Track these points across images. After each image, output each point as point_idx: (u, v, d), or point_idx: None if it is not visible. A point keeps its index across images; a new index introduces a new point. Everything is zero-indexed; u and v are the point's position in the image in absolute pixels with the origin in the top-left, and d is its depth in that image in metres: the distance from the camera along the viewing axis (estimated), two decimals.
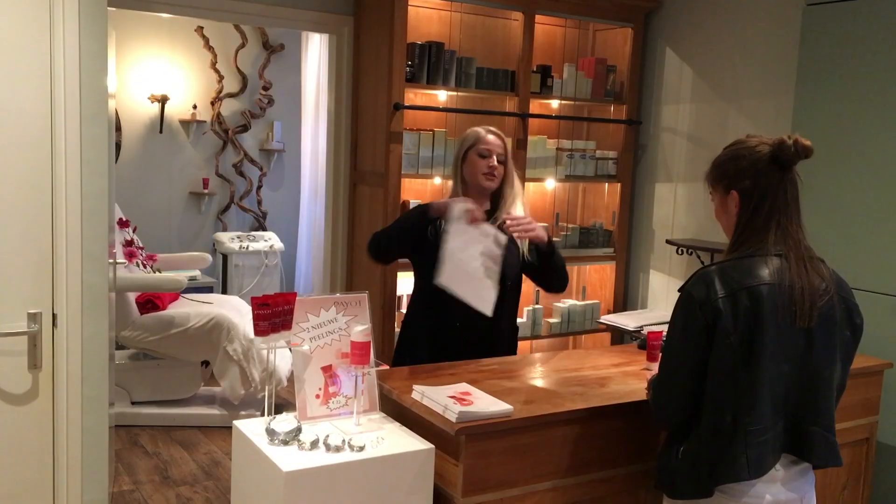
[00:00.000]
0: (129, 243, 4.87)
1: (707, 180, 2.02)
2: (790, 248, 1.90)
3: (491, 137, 2.92)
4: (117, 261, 4.06)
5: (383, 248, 2.93)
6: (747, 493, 1.88)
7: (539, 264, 2.84)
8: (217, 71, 6.38)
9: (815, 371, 1.91)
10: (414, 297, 3.00)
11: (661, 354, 2.03)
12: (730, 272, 1.88)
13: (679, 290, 1.94)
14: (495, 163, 2.89)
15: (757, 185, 1.91)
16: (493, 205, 2.93)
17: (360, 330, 2.09)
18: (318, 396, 2.14)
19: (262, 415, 2.14)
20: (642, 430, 2.28)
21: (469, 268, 2.67)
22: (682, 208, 4.38)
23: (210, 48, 6.32)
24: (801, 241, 1.92)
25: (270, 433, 2.01)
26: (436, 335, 2.86)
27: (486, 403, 2.09)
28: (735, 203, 1.94)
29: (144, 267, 4.94)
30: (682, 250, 4.23)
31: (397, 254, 3.06)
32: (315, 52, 6.19)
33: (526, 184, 4.28)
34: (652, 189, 4.56)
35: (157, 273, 4.98)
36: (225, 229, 6.54)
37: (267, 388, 2.14)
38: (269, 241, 6.33)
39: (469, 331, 2.81)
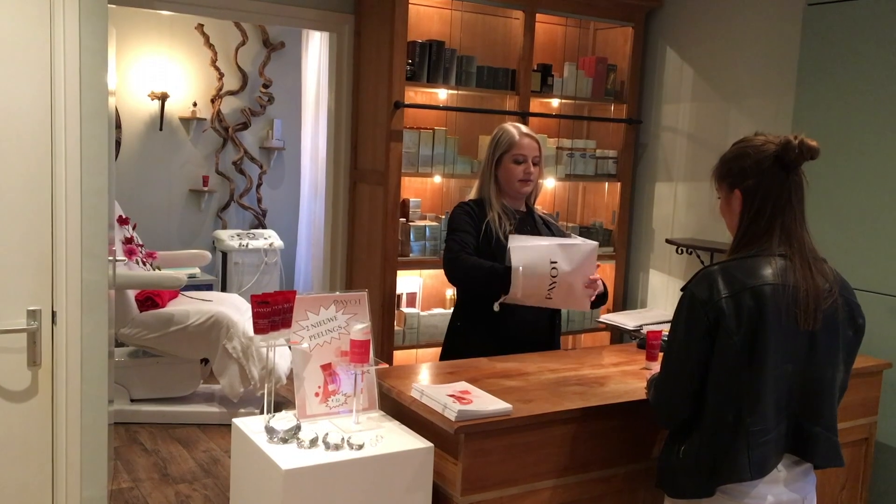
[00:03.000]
0: (128, 241, 4.87)
1: (713, 176, 2.01)
2: (794, 250, 1.89)
3: (526, 141, 2.87)
4: (117, 258, 4.06)
5: (464, 286, 2.91)
6: (749, 493, 1.88)
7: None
8: (217, 69, 6.37)
9: (818, 372, 1.90)
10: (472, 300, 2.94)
11: (662, 354, 2.03)
12: (733, 272, 1.87)
13: (682, 290, 1.94)
14: (531, 168, 2.87)
15: (760, 185, 1.90)
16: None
17: (360, 328, 2.09)
18: (317, 395, 2.14)
19: (262, 413, 2.13)
20: (641, 429, 2.28)
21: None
22: (682, 208, 4.38)
23: (210, 46, 6.32)
24: (806, 242, 1.91)
25: (270, 431, 2.01)
26: (497, 329, 2.86)
27: (485, 402, 2.09)
28: (738, 202, 1.93)
29: (144, 264, 4.94)
30: (681, 250, 4.23)
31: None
32: (315, 50, 6.19)
33: None
34: (652, 188, 4.56)
35: (157, 271, 4.98)
36: (225, 227, 6.54)
37: (266, 386, 2.14)
38: (269, 238, 6.33)
39: (529, 323, 2.87)
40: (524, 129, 2.91)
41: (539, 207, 3.07)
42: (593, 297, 2.77)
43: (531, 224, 2.95)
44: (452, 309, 3.06)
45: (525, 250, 2.67)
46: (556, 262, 2.67)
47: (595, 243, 2.75)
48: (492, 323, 2.84)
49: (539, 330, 2.92)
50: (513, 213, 2.91)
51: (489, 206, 2.89)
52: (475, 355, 2.70)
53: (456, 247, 2.82)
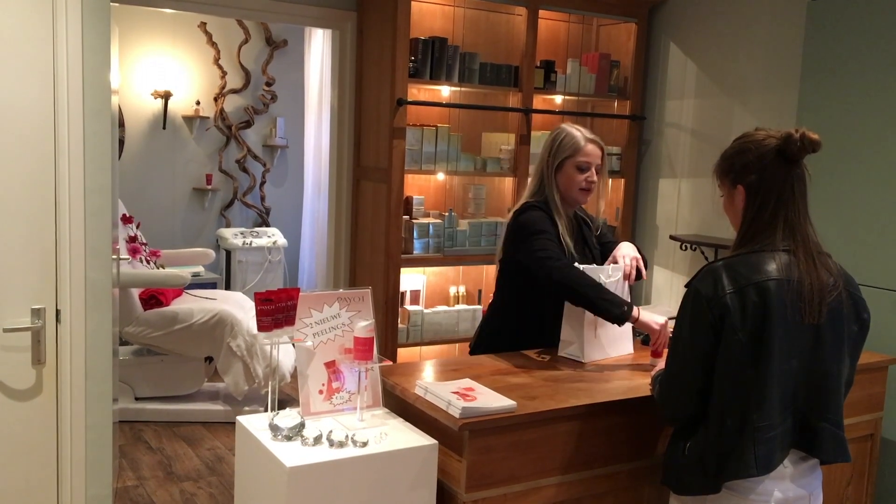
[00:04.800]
0: (132, 239, 4.87)
1: (715, 173, 2.01)
2: (798, 244, 1.88)
3: (591, 147, 2.68)
4: (121, 257, 4.06)
5: (566, 298, 2.62)
6: (755, 489, 1.88)
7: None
8: (220, 67, 6.37)
9: (824, 367, 1.90)
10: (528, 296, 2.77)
11: (667, 350, 2.03)
12: (737, 268, 1.87)
13: (686, 286, 1.93)
14: (594, 177, 2.69)
15: (763, 180, 1.89)
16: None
17: (364, 326, 2.08)
18: (321, 392, 2.14)
19: (266, 410, 2.13)
20: (646, 425, 2.28)
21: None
22: (686, 204, 4.37)
23: (213, 44, 6.32)
24: (810, 236, 1.90)
25: (274, 429, 2.00)
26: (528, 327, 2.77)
27: (489, 399, 2.09)
28: (741, 198, 1.93)
29: (148, 263, 4.94)
30: (686, 246, 4.22)
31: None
32: (318, 48, 6.19)
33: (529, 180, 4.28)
34: (656, 185, 4.55)
35: (161, 269, 4.99)
36: (228, 225, 6.55)
37: (270, 383, 2.14)
38: (273, 237, 6.34)
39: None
40: (588, 133, 2.73)
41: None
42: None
43: (577, 229, 2.80)
44: (491, 309, 2.90)
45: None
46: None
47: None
48: (536, 330, 2.74)
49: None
50: (572, 222, 2.76)
51: (556, 212, 2.69)
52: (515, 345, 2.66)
53: (554, 251, 2.55)
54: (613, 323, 2.51)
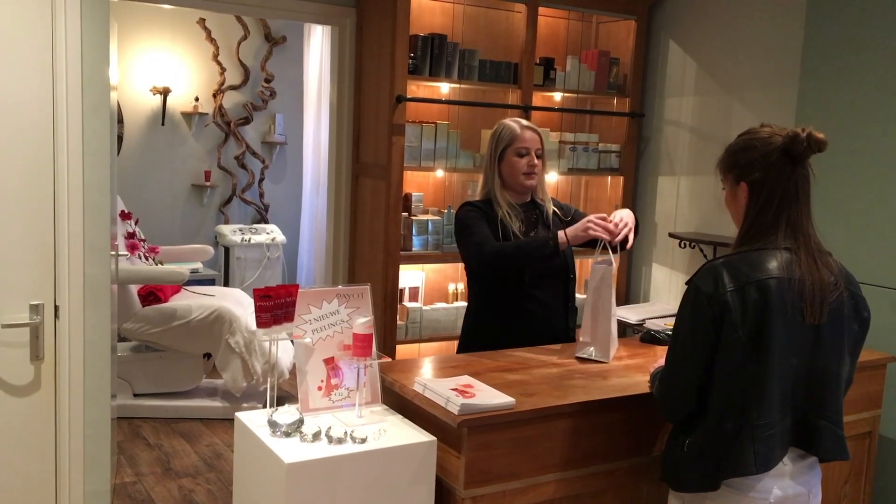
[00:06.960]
0: (131, 235, 4.87)
1: (719, 168, 2.00)
2: (800, 244, 1.87)
3: (528, 134, 2.82)
4: (119, 253, 4.06)
5: (507, 270, 2.78)
6: (754, 487, 1.88)
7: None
8: (219, 63, 6.37)
9: (824, 365, 1.90)
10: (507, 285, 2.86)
11: (667, 347, 2.03)
12: (738, 265, 1.86)
13: (686, 284, 1.93)
14: (535, 160, 2.82)
15: (767, 177, 1.88)
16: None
17: (363, 322, 2.08)
18: (320, 388, 2.14)
19: (264, 407, 2.13)
20: (645, 422, 2.28)
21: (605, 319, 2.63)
22: (685, 201, 4.37)
23: (212, 40, 6.31)
24: (812, 236, 1.90)
25: (272, 425, 2.00)
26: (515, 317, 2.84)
27: (488, 396, 2.09)
28: (744, 195, 1.92)
29: (146, 259, 4.94)
30: (684, 244, 4.22)
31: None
32: (317, 45, 6.18)
33: None
34: (655, 182, 4.55)
35: (159, 265, 4.99)
36: (227, 222, 6.54)
37: (269, 380, 2.13)
38: (272, 233, 6.33)
39: (546, 319, 2.83)
40: (524, 122, 2.88)
41: (553, 198, 2.98)
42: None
43: (537, 215, 2.90)
44: (467, 307, 3.00)
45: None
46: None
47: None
48: (511, 317, 2.81)
49: (556, 322, 2.89)
50: (519, 209, 2.87)
51: (497, 204, 2.83)
52: (494, 348, 2.69)
53: (480, 238, 2.74)
54: (553, 260, 2.67)
